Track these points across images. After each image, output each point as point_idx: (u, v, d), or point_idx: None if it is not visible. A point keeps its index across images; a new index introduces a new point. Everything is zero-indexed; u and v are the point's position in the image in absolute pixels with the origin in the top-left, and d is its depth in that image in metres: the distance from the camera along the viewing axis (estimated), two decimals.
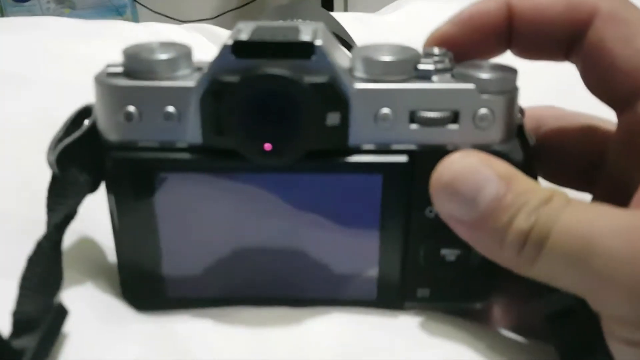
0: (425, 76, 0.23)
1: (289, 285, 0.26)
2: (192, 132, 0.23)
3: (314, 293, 0.26)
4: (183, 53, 0.23)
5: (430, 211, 0.24)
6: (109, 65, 0.24)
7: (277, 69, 0.22)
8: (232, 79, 0.22)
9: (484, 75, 0.23)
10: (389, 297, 0.26)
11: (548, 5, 0.25)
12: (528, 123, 0.26)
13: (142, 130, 0.23)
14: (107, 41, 0.51)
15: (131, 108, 0.23)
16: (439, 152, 0.22)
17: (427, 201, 0.23)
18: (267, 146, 0.23)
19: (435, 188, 0.22)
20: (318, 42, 0.22)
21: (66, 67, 0.46)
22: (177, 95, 0.23)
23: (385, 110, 0.23)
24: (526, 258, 0.21)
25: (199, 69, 0.24)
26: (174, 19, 1.60)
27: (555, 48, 0.26)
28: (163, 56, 0.23)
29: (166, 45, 0.24)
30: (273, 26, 0.24)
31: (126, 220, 0.25)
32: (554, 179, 0.29)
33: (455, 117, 0.23)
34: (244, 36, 0.22)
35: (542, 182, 0.28)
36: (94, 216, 0.28)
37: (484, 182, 0.21)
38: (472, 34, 0.26)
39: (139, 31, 0.58)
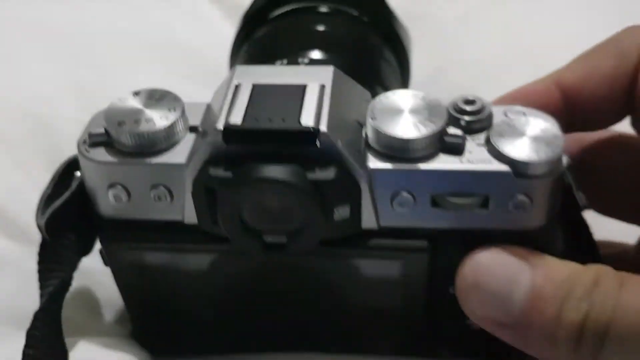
0: (454, 149, 0.20)
1: (304, 339, 0.25)
2: (187, 211, 0.21)
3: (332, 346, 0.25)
4: (172, 119, 0.20)
5: (452, 289, 0.21)
6: (90, 132, 0.21)
7: (273, 169, 0.19)
8: (224, 173, 0.19)
9: (523, 156, 0.19)
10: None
11: (597, 71, 0.23)
12: (571, 145, 0.23)
13: (133, 210, 0.21)
14: None
15: (117, 188, 0.21)
16: (463, 234, 0.20)
17: (449, 280, 0.21)
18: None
19: (462, 291, 0.20)
20: (323, 127, 0.19)
21: None
22: (167, 173, 0.20)
23: (404, 194, 0.20)
24: (586, 354, 0.18)
25: (193, 128, 0.21)
26: None
27: (616, 113, 0.23)
28: (150, 127, 0.20)
29: (153, 105, 0.21)
30: (273, 91, 0.20)
31: (127, 288, 0.24)
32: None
33: (485, 202, 0.20)
34: (237, 116, 0.19)
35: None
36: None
37: (516, 274, 0.19)
38: None
39: None
